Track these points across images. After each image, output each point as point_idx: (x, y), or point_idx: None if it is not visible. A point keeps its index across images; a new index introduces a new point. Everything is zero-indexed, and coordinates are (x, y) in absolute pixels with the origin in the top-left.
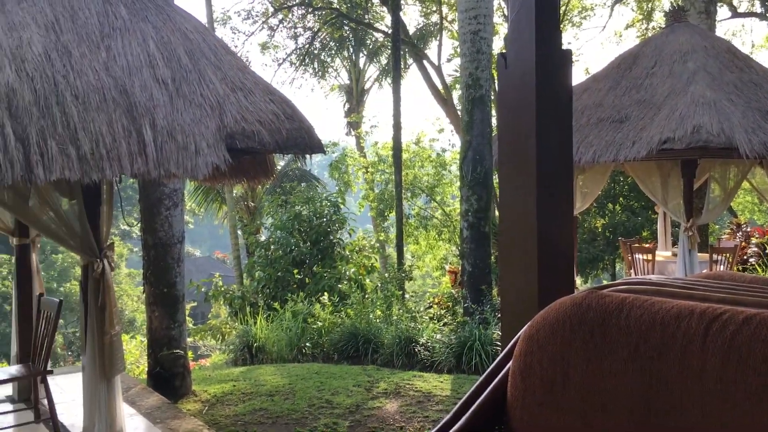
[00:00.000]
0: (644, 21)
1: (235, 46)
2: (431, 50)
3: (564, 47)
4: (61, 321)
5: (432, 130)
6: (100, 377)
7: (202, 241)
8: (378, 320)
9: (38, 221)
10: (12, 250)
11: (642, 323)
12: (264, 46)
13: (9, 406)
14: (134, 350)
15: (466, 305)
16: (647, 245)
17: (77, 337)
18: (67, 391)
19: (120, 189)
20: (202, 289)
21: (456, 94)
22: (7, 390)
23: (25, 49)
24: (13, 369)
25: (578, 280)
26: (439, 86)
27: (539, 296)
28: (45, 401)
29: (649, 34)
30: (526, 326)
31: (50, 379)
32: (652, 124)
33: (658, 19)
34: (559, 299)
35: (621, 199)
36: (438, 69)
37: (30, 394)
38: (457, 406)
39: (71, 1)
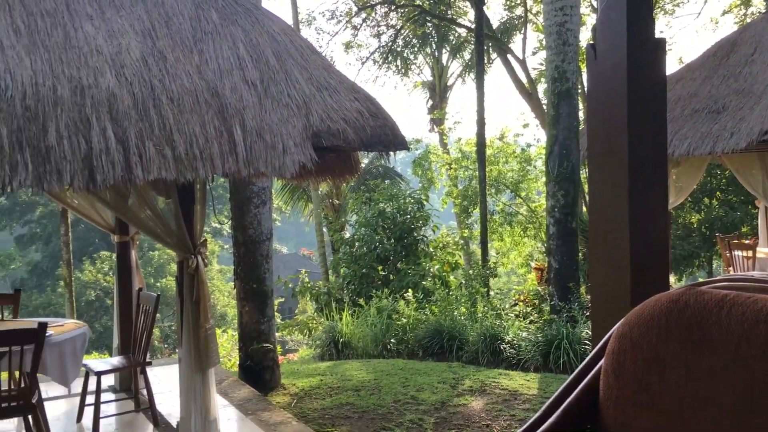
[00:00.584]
0: (742, 6)
1: (320, 46)
2: (515, 44)
3: (657, 36)
4: (158, 315)
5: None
6: (196, 369)
7: (289, 239)
8: (462, 317)
9: (137, 219)
10: (113, 247)
11: (744, 321)
12: (348, 45)
13: (111, 396)
14: (226, 344)
15: (552, 303)
16: (747, 241)
17: (173, 330)
18: (164, 381)
19: (211, 188)
20: (290, 285)
21: (541, 88)
22: (110, 380)
23: (124, 55)
24: (115, 360)
25: (672, 278)
26: (524, 80)
27: (632, 294)
28: (144, 391)
29: (748, 20)
30: (618, 324)
31: (149, 370)
32: (752, 114)
33: (758, 4)
34: (654, 296)
35: (718, 193)
36: (522, 63)
37: (130, 384)
38: (547, 404)
39: (166, 8)
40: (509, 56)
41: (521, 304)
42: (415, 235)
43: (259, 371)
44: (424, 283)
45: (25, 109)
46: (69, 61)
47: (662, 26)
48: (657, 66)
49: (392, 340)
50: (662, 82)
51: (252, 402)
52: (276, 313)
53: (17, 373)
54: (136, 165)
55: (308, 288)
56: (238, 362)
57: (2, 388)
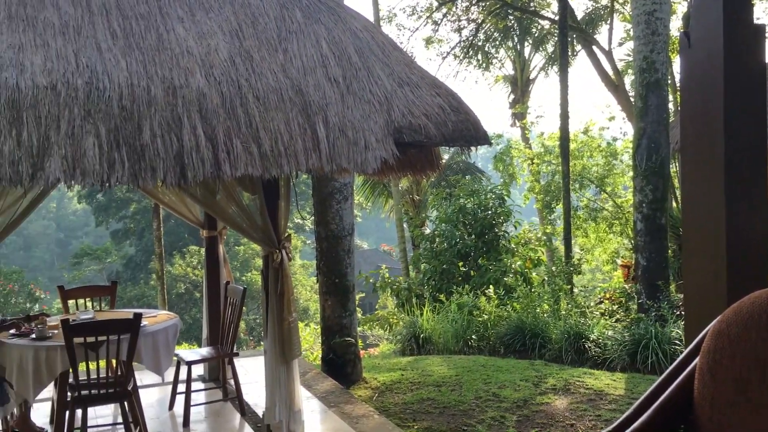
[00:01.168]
0: None
1: (401, 43)
2: (601, 35)
3: (756, 22)
4: (244, 308)
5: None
6: (280, 360)
7: (369, 234)
8: (545, 314)
9: (224, 214)
10: (201, 242)
11: None
12: (428, 41)
13: (201, 385)
14: (309, 337)
15: (640, 301)
16: None
17: (257, 323)
18: (251, 372)
19: (294, 184)
20: (371, 281)
21: (628, 80)
22: (199, 370)
23: (213, 55)
24: (204, 350)
25: None
26: (610, 72)
27: (728, 291)
28: (232, 381)
29: None
30: (714, 321)
31: (236, 361)
32: None
33: None
34: (752, 293)
35: None
36: (608, 54)
37: (218, 374)
38: (638, 403)
39: (252, 9)
40: (594, 48)
41: (607, 302)
42: (497, 231)
43: (341, 365)
44: (505, 279)
45: (121, 109)
46: (162, 63)
47: (760, 12)
48: (756, 54)
49: (473, 337)
50: (762, 70)
51: (334, 395)
52: (357, 308)
53: (114, 362)
54: (224, 162)
55: (389, 283)
56: (320, 355)
57: (101, 376)
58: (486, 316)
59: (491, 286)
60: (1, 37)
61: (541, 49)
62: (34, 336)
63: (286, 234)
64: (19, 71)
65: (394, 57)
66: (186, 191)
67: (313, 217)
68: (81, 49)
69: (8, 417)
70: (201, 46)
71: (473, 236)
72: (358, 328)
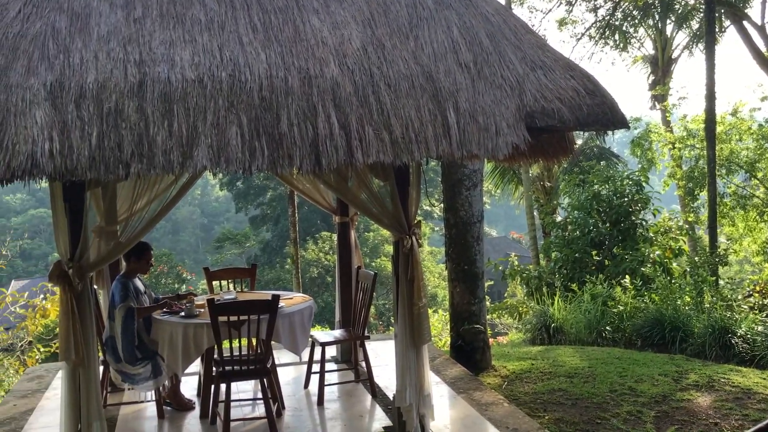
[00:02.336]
0: None
1: (532, 25)
2: (753, 8)
3: None
4: (374, 292)
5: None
6: (410, 345)
7: (498, 222)
8: (687, 307)
9: (356, 200)
10: (333, 228)
11: None
12: (562, 22)
13: (333, 366)
14: (437, 323)
15: None
16: None
17: (387, 308)
18: (381, 355)
19: (424, 171)
20: (499, 268)
21: None
22: (332, 351)
23: (346, 45)
24: (337, 333)
25: None
26: (763, 48)
27: None
28: (363, 363)
29: None
30: None
31: (367, 344)
32: None
33: None
34: None
35: None
36: (761, 29)
37: (350, 356)
38: None
39: None
40: (745, 23)
41: (757, 295)
42: (633, 218)
43: (469, 351)
44: (642, 269)
45: (261, 99)
46: (298, 54)
47: None
48: None
49: (607, 328)
50: None
51: (463, 381)
52: (486, 296)
53: (254, 340)
54: (357, 149)
55: (518, 271)
56: (449, 342)
57: (242, 353)
58: (621, 307)
59: (627, 276)
60: (154, 34)
61: (684, 26)
62: (183, 314)
63: (416, 220)
64: (170, 66)
65: (527, 40)
66: (320, 178)
67: (441, 204)
68: (225, 44)
69: (160, 389)
70: (335, 37)
71: (608, 224)
72: (487, 316)
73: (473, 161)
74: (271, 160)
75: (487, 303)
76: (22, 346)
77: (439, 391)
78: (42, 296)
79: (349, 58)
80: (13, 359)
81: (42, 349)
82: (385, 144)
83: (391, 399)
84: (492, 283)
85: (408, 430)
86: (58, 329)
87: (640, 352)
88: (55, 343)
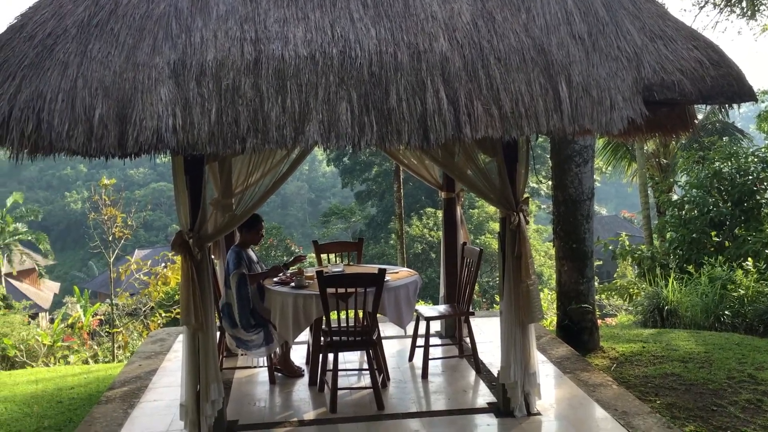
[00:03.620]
0: None
1: None
2: None
3: None
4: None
5: None
6: (516, 322)
7: (608, 200)
8: None
9: (463, 175)
10: (438, 205)
11: None
12: None
13: (437, 341)
14: (542, 302)
15: None
16: None
17: (490, 285)
18: (485, 332)
19: (531, 147)
20: (609, 248)
21: None
22: (436, 326)
23: (456, 19)
24: (442, 308)
25: None
26: None
27: None
28: (467, 339)
29: None
30: None
31: (471, 320)
32: None
33: None
34: None
35: None
36: None
37: (454, 331)
38: None
39: None
40: None
41: None
42: (758, 198)
43: (577, 332)
44: (767, 251)
45: (370, 75)
46: (408, 29)
47: None
48: None
49: (726, 312)
50: None
51: (570, 361)
52: (594, 276)
53: (361, 313)
54: (465, 124)
55: (629, 251)
56: (555, 321)
57: (349, 324)
58: (742, 291)
59: (750, 259)
60: (269, 12)
61: None
62: (293, 285)
63: (524, 197)
64: (284, 43)
65: (646, 9)
66: (427, 153)
67: (549, 181)
68: (336, 20)
69: (272, 355)
70: (444, 11)
71: (729, 204)
72: (595, 297)
73: (585, 136)
74: (379, 135)
75: (596, 283)
76: (145, 311)
77: (544, 370)
78: (163, 264)
79: (459, 32)
80: (138, 323)
81: (163, 314)
82: (494, 119)
83: (496, 375)
84: (601, 263)
85: (512, 407)
86: (178, 296)
87: (763, 339)
88: (175, 309)
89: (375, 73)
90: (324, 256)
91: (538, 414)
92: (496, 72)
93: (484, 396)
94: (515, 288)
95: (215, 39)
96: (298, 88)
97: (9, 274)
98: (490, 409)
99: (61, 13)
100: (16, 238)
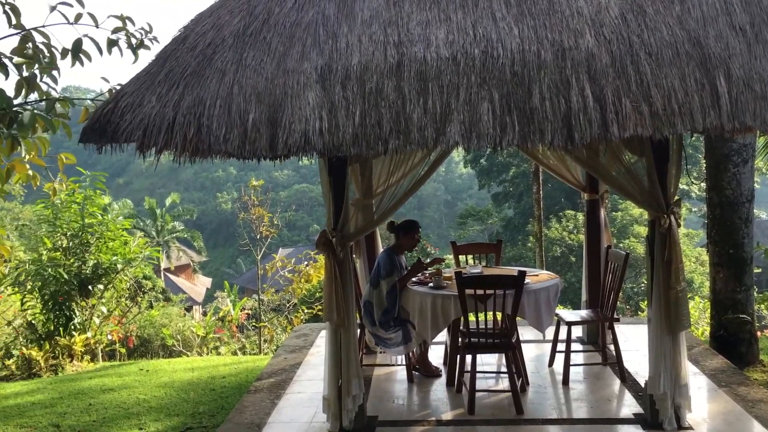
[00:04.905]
0: None
1: None
2: None
3: None
4: None
5: None
6: (666, 331)
7: None
8: None
9: (608, 176)
10: (578, 207)
11: None
12: None
13: (579, 346)
14: (693, 311)
15: None
16: None
17: (635, 292)
18: (630, 339)
19: (684, 146)
20: None
21: None
22: (578, 331)
23: (603, 14)
24: (584, 313)
25: None
26: None
27: None
28: (611, 346)
29: None
30: None
31: (616, 327)
32: None
33: None
34: None
35: None
36: None
37: (597, 337)
38: None
39: None
40: None
41: None
42: None
43: (733, 343)
44: None
45: (513, 74)
46: (552, 26)
47: None
48: None
49: None
50: None
51: (726, 374)
52: (753, 284)
53: (499, 315)
54: (612, 122)
55: None
56: (708, 331)
57: (488, 326)
58: None
59: None
60: (412, 15)
61: None
62: (431, 285)
63: (675, 198)
64: (426, 45)
65: None
66: (570, 153)
67: (702, 182)
68: (478, 21)
69: (410, 354)
70: (591, 6)
71: None
72: (755, 306)
73: (745, 135)
74: (521, 135)
75: (755, 292)
76: (288, 306)
77: (696, 382)
78: (306, 263)
79: (606, 27)
80: (282, 318)
81: (305, 310)
82: (643, 117)
83: (643, 386)
84: (760, 270)
85: (661, 419)
86: (319, 293)
87: None
88: (316, 306)
89: (517, 72)
90: (462, 257)
91: (690, 428)
92: (646, 67)
93: (629, 406)
94: (665, 294)
95: (360, 43)
96: (439, 89)
97: (167, 269)
98: (637, 420)
99: (219, 24)
100: (174, 235)
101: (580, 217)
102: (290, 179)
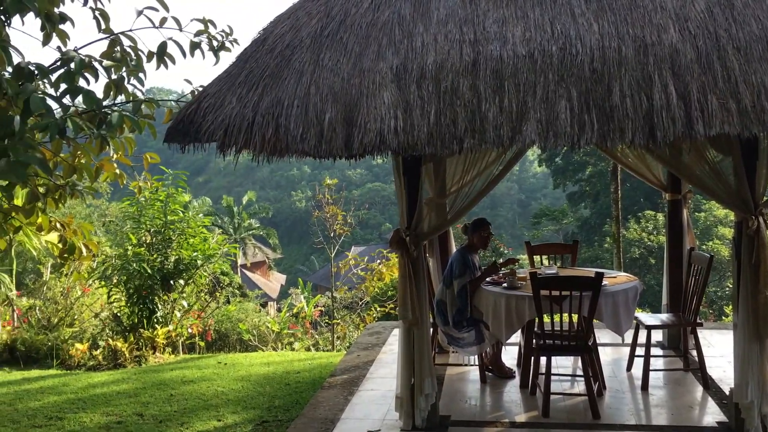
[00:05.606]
0: None
1: None
2: None
3: None
4: None
5: None
6: (753, 337)
7: None
8: None
9: (692, 175)
10: (658, 207)
11: None
12: None
13: (659, 351)
14: None
15: None
16: None
17: (718, 296)
18: (714, 345)
19: None
20: None
21: None
22: (658, 336)
23: (688, 8)
24: (665, 316)
25: None
26: None
27: None
28: (693, 352)
29: None
30: None
31: (699, 332)
32: None
33: None
34: None
35: None
36: None
37: (679, 342)
38: None
39: None
40: None
41: None
42: None
43: None
44: None
45: (592, 71)
46: (633, 21)
47: None
48: None
49: None
50: None
51: None
52: None
53: (576, 317)
54: (697, 120)
55: None
56: None
57: (563, 328)
58: None
59: None
60: (488, 13)
61: None
62: (505, 285)
63: (764, 199)
64: (502, 43)
65: None
66: (651, 152)
67: None
68: (556, 17)
69: (483, 355)
70: (675, 0)
71: None
72: None
73: None
74: (600, 134)
75: None
76: (361, 304)
77: None
78: (378, 261)
79: (692, 21)
80: (354, 315)
81: (378, 308)
82: (731, 114)
83: (727, 393)
84: None
85: (747, 429)
86: (391, 292)
87: None
88: (388, 304)
89: (597, 69)
90: (536, 257)
91: None
92: (734, 63)
93: (713, 414)
94: (753, 298)
95: (435, 42)
96: (515, 87)
97: (243, 266)
98: (721, 429)
99: (297, 26)
100: (251, 232)
101: (661, 217)
102: (363, 178)
